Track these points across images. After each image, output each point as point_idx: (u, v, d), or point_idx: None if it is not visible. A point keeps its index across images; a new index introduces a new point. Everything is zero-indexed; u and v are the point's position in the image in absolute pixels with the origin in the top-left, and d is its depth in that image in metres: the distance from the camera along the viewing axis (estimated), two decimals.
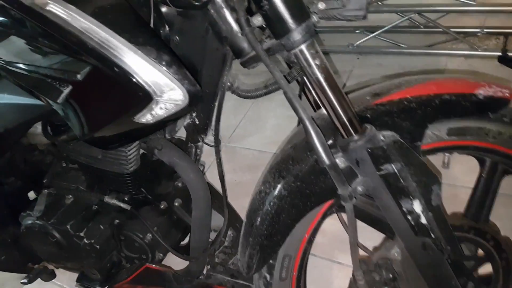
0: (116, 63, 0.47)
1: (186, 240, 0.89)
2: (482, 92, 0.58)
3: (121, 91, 0.51)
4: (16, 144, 0.78)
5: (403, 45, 1.82)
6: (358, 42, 1.89)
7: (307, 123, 0.50)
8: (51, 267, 0.92)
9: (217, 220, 0.87)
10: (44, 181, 0.85)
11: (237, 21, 0.54)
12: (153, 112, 0.52)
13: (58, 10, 0.45)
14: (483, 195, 0.69)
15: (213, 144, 0.74)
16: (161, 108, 0.52)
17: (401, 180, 0.54)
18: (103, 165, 0.72)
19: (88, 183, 0.81)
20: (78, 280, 0.86)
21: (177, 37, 0.59)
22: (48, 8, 0.45)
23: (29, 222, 0.78)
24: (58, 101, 0.54)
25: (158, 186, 0.82)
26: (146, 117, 0.53)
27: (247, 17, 0.52)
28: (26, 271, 0.94)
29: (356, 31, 1.96)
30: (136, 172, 0.75)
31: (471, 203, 0.69)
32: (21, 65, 0.57)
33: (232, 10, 0.54)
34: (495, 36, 1.77)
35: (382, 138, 0.54)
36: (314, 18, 0.50)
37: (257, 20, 0.52)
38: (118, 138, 0.60)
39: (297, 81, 0.61)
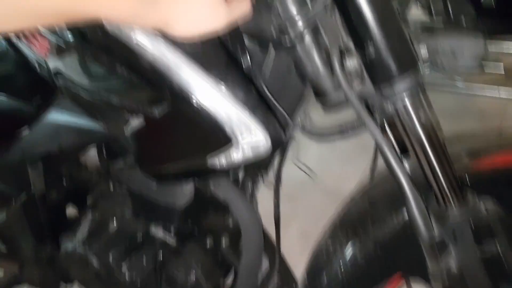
0: (198, 101, 0.43)
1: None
2: None
3: (199, 130, 0.46)
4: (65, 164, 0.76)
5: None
6: None
7: (406, 188, 0.43)
8: None
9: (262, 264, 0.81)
10: (87, 201, 0.82)
11: (328, 62, 0.49)
12: (229, 156, 0.47)
13: (145, 41, 0.41)
14: None
15: (273, 184, 0.68)
16: (238, 153, 0.47)
17: (504, 263, 0.46)
18: (155, 196, 0.69)
19: (134, 210, 0.77)
20: None
21: (255, 71, 0.54)
22: (135, 37, 0.41)
23: (70, 246, 0.75)
24: (125, 133, 0.51)
25: (206, 223, 0.77)
26: (220, 160, 0.48)
27: (341, 59, 0.47)
28: None
29: None
30: (187, 207, 0.70)
31: None
32: (88, 88, 0.54)
33: (320, 48, 0.49)
34: None
35: (484, 209, 0.46)
36: (423, 68, 0.44)
37: (353, 62, 0.47)
38: (184, 175, 0.56)
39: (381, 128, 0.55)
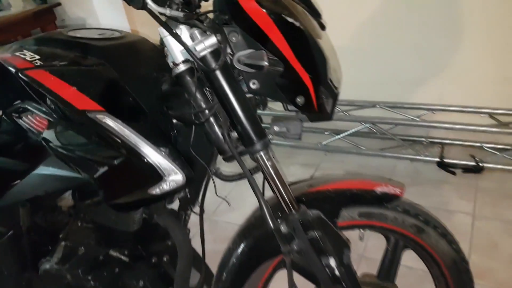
0: (143, 157, 0.76)
1: None
2: (380, 189, 0.87)
3: (142, 172, 0.77)
4: (47, 206, 1.02)
5: (362, 147, 2.20)
6: (326, 142, 2.28)
7: (260, 199, 0.78)
8: None
9: (196, 277, 1.09)
10: (60, 236, 1.07)
11: (222, 134, 0.83)
12: (161, 187, 0.79)
13: (111, 122, 0.74)
14: (389, 263, 0.95)
15: (198, 213, 1.00)
16: (166, 185, 0.79)
17: (321, 243, 0.81)
18: (114, 224, 0.97)
19: (96, 239, 1.04)
20: None
21: (181, 139, 0.88)
22: (103, 119, 0.74)
23: (47, 266, 0.99)
24: (95, 176, 0.81)
25: (151, 244, 1.06)
26: (156, 190, 0.79)
27: (228, 132, 0.83)
28: None
29: (325, 133, 2.36)
30: (137, 232, 0.99)
31: (381, 268, 0.95)
32: (69, 148, 0.82)
33: (219, 126, 0.84)
34: (436, 145, 2.17)
35: (310, 214, 0.82)
36: (269, 136, 0.81)
37: (235, 134, 0.83)
38: (134, 204, 0.86)
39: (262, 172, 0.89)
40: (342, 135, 2.25)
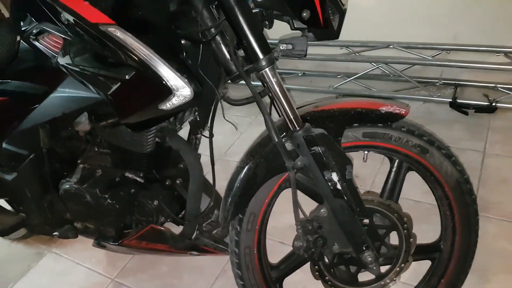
0: (153, 70, 0.78)
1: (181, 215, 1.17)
2: (384, 108, 0.89)
3: (153, 88, 0.80)
4: (66, 129, 1.06)
5: (374, 89, 2.18)
6: (337, 85, 2.26)
7: (266, 115, 0.80)
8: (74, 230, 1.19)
9: (207, 202, 1.15)
10: (78, 161, 1.14)
11: (228, 52, 0.84)
12: (170, 102, 0.82)
13: (121, 35, 0.76)
14: (393, 184, 0.98)
15: (207, 136, 1.04)
16: (176, 100, 0.82)
17: (324, 158, 0.84)
18: (128, 145, 1.01)
19: (113, 162, 1.10)
20: (96, 239, 1.13)
21: (189, 60, 0.90)
22: (114, 32, 0.77)
23: (67, 186, 1.06)
24: (108, 93, 0.84)
25: (165, 167, 1.11)
26: (166, 105, 0.83)
27: (234, 50, 0.84)
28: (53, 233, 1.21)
29: (338, 76, 2.34)
30: (150, 154, 1.04)
31: (384, 188, 0.98)
32: (83, 67, 0.85)
33: (226, 45, 0.85)
34: (450, 86, 2.13)
35: (314, 131, 0.84)
36: (275, 53, 0.82)
37: (241, 52, 0.84)
38: (146, 122, 0.89)
39: (268, 95, 0.91)
40: (354, 77, 2.22)
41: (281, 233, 1.29)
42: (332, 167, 0.84)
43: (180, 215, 1.15)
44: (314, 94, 2.33)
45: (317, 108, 0.89)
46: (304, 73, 2.45)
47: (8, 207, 1.30)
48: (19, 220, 1.18)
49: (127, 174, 1.07)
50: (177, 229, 1.15)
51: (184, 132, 1.09)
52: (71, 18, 0.77)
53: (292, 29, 0.87)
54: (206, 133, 1.05)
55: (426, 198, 1.08)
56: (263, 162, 0.89)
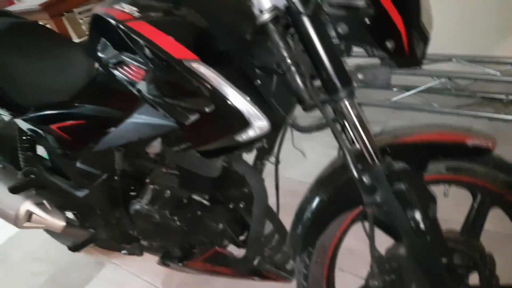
0: (233, 104, 0.77)
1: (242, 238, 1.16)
2: (470, 141, 0.83)
3: (231, 120, 0.80)
4: (138, 152, 1.09)
5: (434, 104, 2.08)
6: (394, 98, 2.17)
7: (343, 147, 0.77)
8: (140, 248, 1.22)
9: (268, 227, 1.14)
10: (147, 181, 1.16)
11: (303, 82, 0.82)
12: (247, 134, 0.81)
13: (204, 70, 0.77)
14: (474, 220, 0.92)
15: (273, 163, 1.02)
16: (252, 132, 0.81)
17: (407, 196, 0.79)
18: (197, 169, 1.02)
19: (180, 184, 1.11)
20: (162, 257, 1.15)
21: (263, 88, 0.88)
22: (198, 68, 0.77)
23: (138, 207, 1.08)
24: (186, 123, 0.85)
25: (229, 191, 1.11)
26: (242, 137, 0.82)
27: (310, 80, 0.82)
28: (120, 249, 1.24)
29: (394, 89, 2.25)
30: (216, 178, 1.04)
31: (465, 224, 0.92)
32: (163, 97, 0.88)
33: (300, 75, 0.83)
34: None
35: (396, 166, 0.80)
36: (354, 84, 0.79)
37: (317, 82, 0.82)
38: (220, 150, 0.89)
39: (339, 123, 0.88)
40: (413, 91, 2.13)
41: (351, 265, 1.25)
42: (414, 204, 0.80)
43: (242, 238, 1.15)
44: (368, 107, 2.26)
45: (397, 140, 0.85)
46: (357, 84, 2.38)
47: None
48: (90, 236, 1.22)
49: (193, 196, 1.08)
50: (239, 253, 1.14)
51: (249, 155, 1.09)
52: (155, 53, 0.78)
53: (369, 56, 0.84)
54: (272, 159, 1.03)
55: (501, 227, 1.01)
56: (337, 194, 0.86)
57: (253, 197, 1.05)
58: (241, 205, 1.10)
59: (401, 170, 0.79)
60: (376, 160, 0.80)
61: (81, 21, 3.04)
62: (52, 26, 2.31)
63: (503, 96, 1.99)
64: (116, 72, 0.93)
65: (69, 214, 1.37)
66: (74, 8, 2.73)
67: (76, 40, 2.93)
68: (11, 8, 2.61)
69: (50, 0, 2.27)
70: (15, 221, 1.30)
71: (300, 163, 2.09)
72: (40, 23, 2.82)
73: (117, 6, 0.85)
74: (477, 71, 2.00)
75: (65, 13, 2.51)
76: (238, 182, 1.10)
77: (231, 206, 1.10)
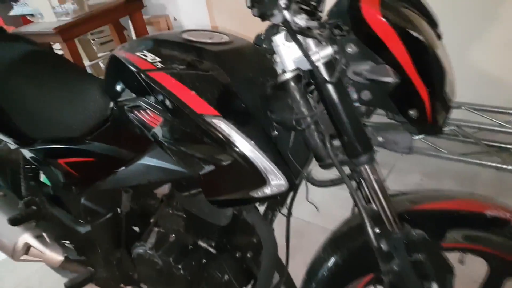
0: (249, 159, 0.76)
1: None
2: (490, 212, 0.81)
3: (248, 177, 0.79)
4: (147, 194, 1.07)
5: (442, 150, 2.07)
6: None
7: (363, 212, 0.75)
8: None
9: (274, 279, 1.10)
10: (151, 220, 1.13)
11: (322, 141, 0.81)
12: (263, 191, 0.80)
13: (225, 127, 0.76)
14: None
15: (285, 215, 1.00)
16: (269, 190, 0.79)
17: (425, 266, 0.77)
18: (206, 216, 1.00)
19: (186, 228, 1.08)
20: None
21: (280, 142, 0.87)
22: (218, 124, 0.76)
23: (141, 251, 1.05)
24: (201, 173, 0.83)
25: (237, 239, 1.08)
26: (258, 193, 0.81)
27: (330, 140, 0.81)
28: None
29: None
30: (224, 225, 1.02)
31: None
32: (180, 146, 0.86)
33: (319, 133, 0.82)
34: None
35: (415, 235, 0.78)
36: (375, 149, 0.77)
37: (337, 142, 0.80)
38: (232, 202, 0.88)
39: (356, 181, 0.86)
40: (421, 135, 2.12)
41: None
42: (432, 275, 0.77)
43: None
44: (376, 149, 2.25)
45: (415, 206, 0.83)
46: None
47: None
48: (88, 275, 1.18)
49: (199, 243, 1.05)
50: None
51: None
52: (176, 105, 0.77)
53: (389, 119, 0.83)
54: (283, 211, 1.01)
55: None
56: (351, 258, 0.83)
57: (261, 247, 1.02)
58: (249, 255, 1.07)
59: (420, 240, 0.77)
60: (395, 227, 0.78)
61: (92, 41, 3.07)
62: (64, 48, 2.32)
63: (510, 147, 1.99)
64: (131, 115, 0.92)
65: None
66: (87, 32, 2.76)
67: (86, 62, 2.95)
68: (27, 28, 2.63)
69: (64, 24, 2.29)
70: (12, 253, 1.26)
71: (304, 201, 2.08)
72: (54, 47, 2.85)
73: (138, 53, 0.85)
74: (485, 121, 2.01)
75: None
76: (246, 231, 1.07)
77: (237, 255, 1.07)
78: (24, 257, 1.25)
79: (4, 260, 1.98)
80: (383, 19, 0.67)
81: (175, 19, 2.98)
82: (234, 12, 2.18)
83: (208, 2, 2.63)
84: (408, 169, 2.07)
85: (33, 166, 1.32)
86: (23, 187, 1.32)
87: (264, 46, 0.81)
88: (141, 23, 2.79)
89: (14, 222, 1.20)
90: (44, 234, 1.25)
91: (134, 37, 2.91)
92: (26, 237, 1.22)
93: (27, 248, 1.23)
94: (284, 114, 0.81)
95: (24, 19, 2.88)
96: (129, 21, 2.84)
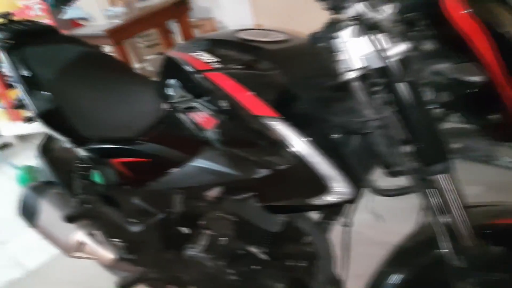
0: (310, 165, 0.72)
1: None
2: None
3: (307, 182, 0.75)
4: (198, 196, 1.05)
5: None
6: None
7: (438, 226, 0.69)
8: None
9: None
10: (201, 223, 1.11)
11: (392, 146, 0.75)
12: (324, 198, 0.75)
13: (283, 129, 0.72)
14: None
15: (343, 225, 0.94)
16: (331, 197, 0.75)
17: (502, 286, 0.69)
18: (256, 221, 0.96)
19: (237, 233, 1.05)
20: None
21: (341, 147, 0.82)
22: (275, 126, 0.72)
23: (193, 253, 1.03)
24: (255, 177, 0.80)
25: (289, 247, 1.04)
26: (318, 201, 0.76)
27: (401, 146, 0.75)
28: None
29: None
30: (277, 232, 0.98)
31: None
32: (235, 148, 0.83)
33: (388, 137, 0.76)
34: None
35: (494, 252, 0.70)
36: (452, 157, 0.70)
37: (406, 148, 0.74)
38: (288, 209, 0.84)
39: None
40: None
41: None
42: None
43: None
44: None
45: (496, 221, 0.75)
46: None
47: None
48: (140, 274, 1.19)
49: (250, 248, 1.02)
50: None
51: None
52: (234, 107, 0.75)
53: (463, 124, 0.76)
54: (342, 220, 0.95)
55: None
56: (418, 276, 0.76)
57: (314, 257, 0.98)
58: (301, 265, 1.03)
59: (500, 258, 0.70)
60: (472, 242, 0.71)
61: (141, 45, 3.15)
62: (115, 51, 2.39)
63: None
64: (184, 116, 0.91)
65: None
66: (135, 35, 2.83)
67: (135, 64, 3.03)
68: (79, 30, 2.73)
69: (115, 27, 2.36)
70: (65, 249, 1.29)
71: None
72: (104, 48, 2.94)
73: (194, 54, 0.83)
74: None
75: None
76: (299, 239, 1.03)
77: (288, 264, 1.03)
78: (77, 253, 1.27)
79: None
80: (468, 14, 0.60)
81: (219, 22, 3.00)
82: (278, 15, 2.14)
83: (253, 5, 2.62)
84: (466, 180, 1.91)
85: (86, 165, 1.35)
86: (77, 186, 1.35)
87: (321, 44, 0.76)
88: (188, 26, 2.82)
89: (70, 219, 1.22)
90: (97, 232, 1.27)
91: (180, 40, 2.95)
92: (80, 235, 1.25)
93: (80, 245, 1.26)
94: (345, 116, 0.76)
95: (73, 23, 2.99)
96: (175, 24, 2.88)
